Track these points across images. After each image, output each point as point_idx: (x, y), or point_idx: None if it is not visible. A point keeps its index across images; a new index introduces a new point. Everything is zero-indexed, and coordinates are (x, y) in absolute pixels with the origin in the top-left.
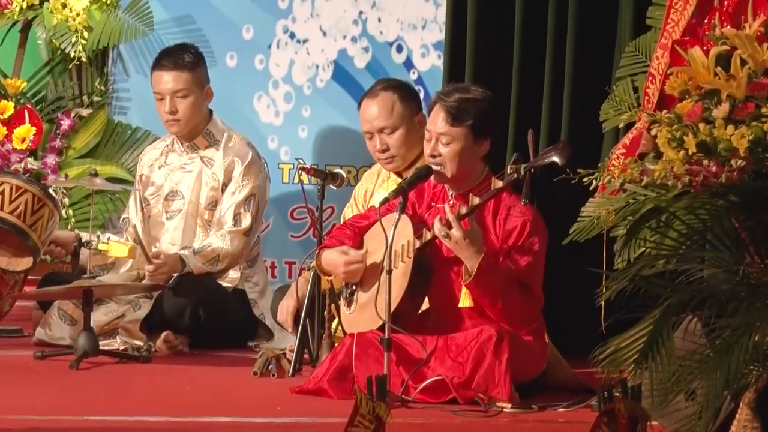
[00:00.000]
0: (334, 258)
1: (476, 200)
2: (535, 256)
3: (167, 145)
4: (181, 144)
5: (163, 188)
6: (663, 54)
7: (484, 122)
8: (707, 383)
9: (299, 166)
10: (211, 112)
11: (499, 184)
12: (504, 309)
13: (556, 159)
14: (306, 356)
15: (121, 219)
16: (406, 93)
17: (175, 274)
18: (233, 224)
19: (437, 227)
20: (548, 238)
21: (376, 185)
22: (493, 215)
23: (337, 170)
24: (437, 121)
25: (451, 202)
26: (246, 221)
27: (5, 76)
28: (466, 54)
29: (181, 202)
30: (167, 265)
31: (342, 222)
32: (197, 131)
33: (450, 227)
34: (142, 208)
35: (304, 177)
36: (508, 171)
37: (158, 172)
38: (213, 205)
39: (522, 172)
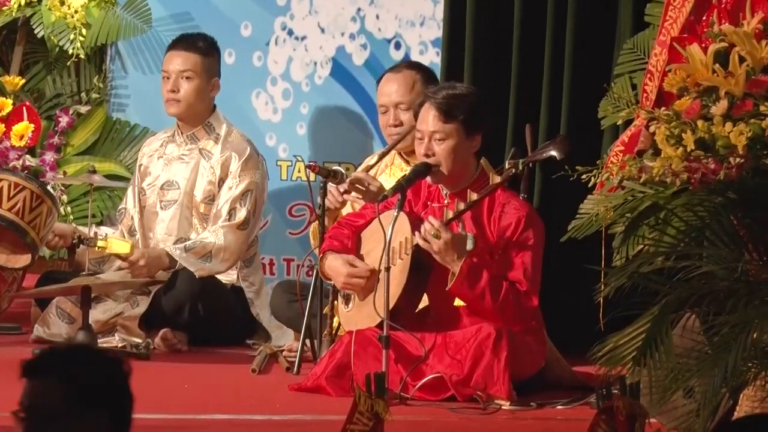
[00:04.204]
0: (338, 266)
1: (474, 196)
2: (531, 251)
3: (168, 136)
4: (181, 134)
5: (159, 178)
6: (661, 51)
7: (474, 117)
8: (705, 380)
9: (307, 164)
10: (214, 106)
11: (497, 179)
12: (496, 308)
13: (554, 153)
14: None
15: (117, 210)
16: (428, 76)
17: (162, 271)
18: (227, 218)
19: (420, 234)
20: (545, 232)
21: (378, 170)
22: (488, 213)
23: (337, 167)
24: (429, 120)
25: (446, 202)
26: (241, 215)
27: (4, 73)
28: (464, 51)
29: (177, 192)
30: (144, 260)
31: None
32: (198, 121)
33: (437, 235)
34: (140, 199)
35: (312, 175)
36: (506, 166)
37: (156, 163)
38: (210, 199)
39: (520, 167)
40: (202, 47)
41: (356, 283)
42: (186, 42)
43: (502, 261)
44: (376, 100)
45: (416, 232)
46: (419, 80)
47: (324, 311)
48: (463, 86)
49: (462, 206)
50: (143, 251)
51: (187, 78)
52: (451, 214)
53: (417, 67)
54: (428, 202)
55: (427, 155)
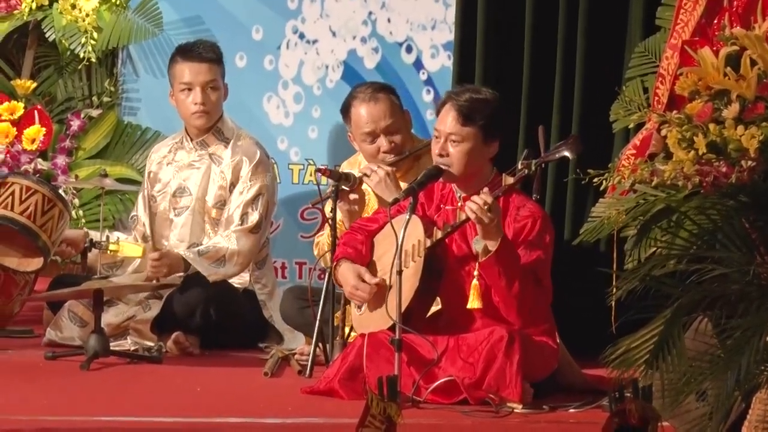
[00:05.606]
0: (348, 276)
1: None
2: (544, 251)
3: (176, 143)
4: (191, 141)
5: (170, 185)
6: (672, 54)
7: (494, 123)
8: (718, 384)
9: (316, 167)
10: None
11: (510, 180)
12: (518, 294)
13: (567, 154)
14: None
15: (130, 217)
16: (395, 92)
17: (180, 274)
18: (240, 223)
19: (473, 208)
20: (555, 237)
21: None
22: (503, 215)
23: (348, 171)
24: (447, 121)
25: (459, 204)
26: (253, 218)
27: (15, 77)
28: (476, 54)
29: (189, 198)
30: (168, 258)
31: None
32: (210, 128)
33: (489, 210)
34: (150, 205)
35: (322, 179)
36: (519, 167)
37: (166, 169)
38: (221, 204)
39: (533, 168)
40: (217, 55)
41: (360, 296)
42: (201, 51)
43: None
44: (351, 130)
45: (467, 203)
46: (395, 100)
47: (336, 320)
48: (488, 91)
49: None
50: (167, 251)
51: (213, 88)
52: (500, 193)
53: (389, 89)
54: (441, 205)
55: (440, 155)
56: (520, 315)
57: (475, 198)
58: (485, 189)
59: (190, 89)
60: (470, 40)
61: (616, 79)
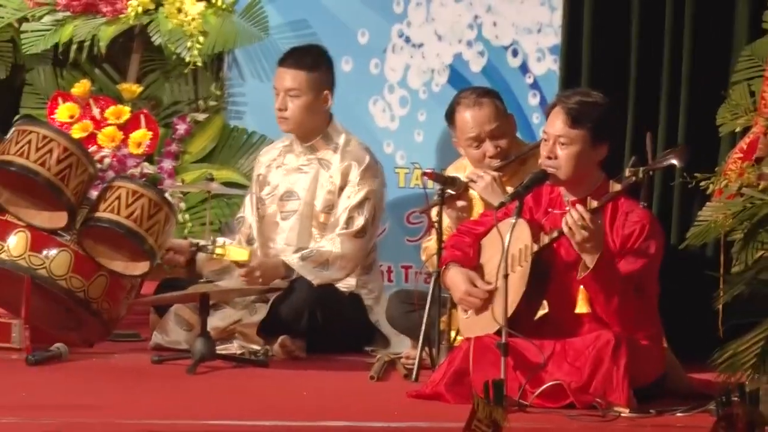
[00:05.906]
0: (459, 281)
1: (594, 203)
2: (651, 260)
3: (285, 146)
4: (300, 145)
5: (279, 188)
6: None
7: (602, 127)
8: None
9: (423, 171)
10: (331, 115)
11: (617, 187)
12: (619, 308)
13: (674, 162)
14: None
15: (235, 219)
16: (499, 96)
17: (279, 279)
18: (345, 226)
19: (568, 222)
20: (665, 242)
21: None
22: (611, 220)
23: (454, 174)
24: (556, 123)
25: (567, 209)
26: (358, 223)
27: (121, 81)
28: (582, 58)
29: (297, 202)
30: (260, 269)
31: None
32: (315, 133)
33: (583, 225)
34: (258, 208)
35: (429, 183)
36: (627, 174)
37: (275, 172)
38: (329, 208)
39: (640, 175)
40: (309, 63)
41: (473, 302)
42: (294, 58)
43: (624, 266)
44: (456, 135)
45: (565, 216)
46: (500, 105)
47: (441, 324)
48: (597, 95)
49: (595, 204)
50: (261, 260)
51: (294, 96)
52: (595, 204)
53: (493, 94)
54: (549, 209)
55: (549, 157)
56: (622, 325)
57: (572, 212)
58: (589, 199)
59: (278, 94)
60: (576, 44)
61: (722, 83)
